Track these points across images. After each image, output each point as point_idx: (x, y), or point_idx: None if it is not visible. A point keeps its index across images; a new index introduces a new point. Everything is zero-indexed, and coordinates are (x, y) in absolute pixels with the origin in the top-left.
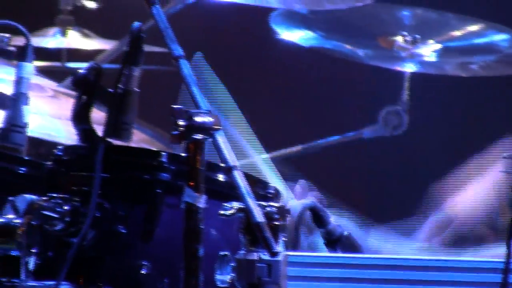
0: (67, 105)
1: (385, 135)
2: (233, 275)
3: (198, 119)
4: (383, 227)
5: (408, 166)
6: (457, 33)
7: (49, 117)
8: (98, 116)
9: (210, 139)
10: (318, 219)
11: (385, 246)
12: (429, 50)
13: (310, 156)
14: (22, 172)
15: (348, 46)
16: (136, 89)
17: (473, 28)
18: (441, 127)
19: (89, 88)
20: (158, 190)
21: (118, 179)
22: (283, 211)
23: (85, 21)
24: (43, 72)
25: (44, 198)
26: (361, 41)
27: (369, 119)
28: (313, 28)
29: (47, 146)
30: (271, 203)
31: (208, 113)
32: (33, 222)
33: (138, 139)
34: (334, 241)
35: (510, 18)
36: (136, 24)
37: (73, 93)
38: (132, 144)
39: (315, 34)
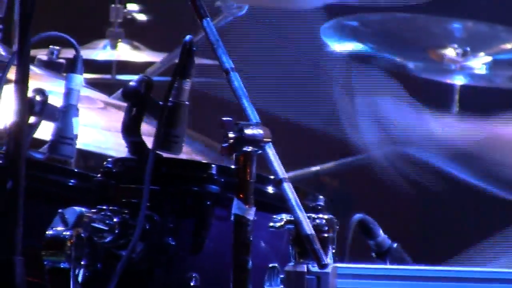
0: (117, 117)
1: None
2: (282, 287)
3: (248, 131)
4: None
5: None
6: (507, 45)
7: (100, 129)
8: (148, 128)
9: (260, 152)
10: (368, 231)
11: None
12: (479, 63)
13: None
14: (71, 184)
15: (398, 59)
16: (187, 102)
17: None
18: None
19: (139, 100)
20: (207, 202)
21: (167, 191)
22: (332, 223)
23: (135, 33)
24: (93, 84)
25: (93, 210)
26: (412, 53)
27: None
28: (364, 40)
29: (97, 158)
30: (321, 215)
31: (258, 125)
32: (82, 234)
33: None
34: (384, 253)
35: None
36: (188, 37)
37: (124, 105)
38: (183, 156)
39: (365, 47)
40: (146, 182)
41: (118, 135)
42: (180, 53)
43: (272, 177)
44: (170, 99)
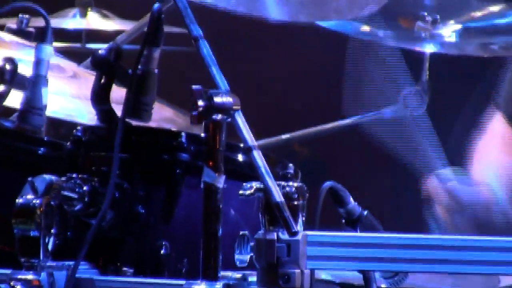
0: (87, 84)
1: (406, 116)
2: (252, 254)
3: (217, 99)
4: None
5: None
6: (478, 13)
7: (69, 97)
8: (117, 95)
9: (230, 119)
10: (338, 198)
11: None
12: (449, 31)
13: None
14: (41, 152)
15: (367, 27)
16: (156, 70)
17: (494, 8)
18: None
19: (108, 68)
20: (177, 171)
21: (137, 159)
22: (302, 191)
23: (104, 2)
24: (63, 53)
25: (63, 178)
26: (381, 21)
27: (389, 99)
28: None
29: (67, 126)
30: (290, 183)
31: (228, 93)
32: (52, 203)
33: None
34: (354, 221)
35: None
36: (156, 5)
37: (93, 73)
38: (153, 123)
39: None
40: (115, 150)
41: (88, 103)
42: (149, 21)
43: (241, 144)
44: (139, 67)
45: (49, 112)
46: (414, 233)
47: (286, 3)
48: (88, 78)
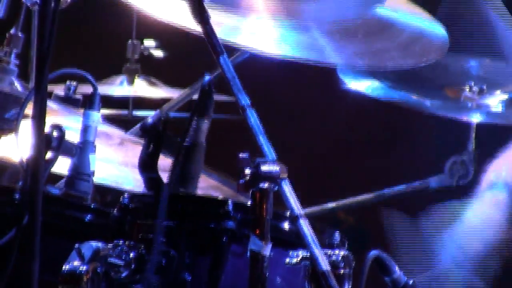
0: (133, 152)
1: (451, 185)
2: None
3: (264, 168)
4: None
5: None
6: None
7: (116, 164)
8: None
9: (276, 188)
10: (384, 268)
11: None
12: (496, 101)
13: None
14: (88, 220)
15: (415, 97)
16: (203, 142)
17: None
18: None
19: (156, 136)
20: (223, 238)
21: (184, 227)
22: (348, 260)
23: (151, 69)
24: (110, 120)
25: (110, 245)
26: (428, 91)
27: (436, 169)
28: (380, 78)
29: (114, 194)
30: (337, 252)
31: (275, 162)
32: (98, 269)
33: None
34: None
35: None
36: (207, 77)
37: (140, 141)
38: (200, 191)
39: (382, 84)
40: (159, 216)
41: (134, 170)
42: (199, 92)
43: (288, 213)
44: (187, 138)
45: (96, 178)
46: None
47: (342, 50)
48: (134, 146)
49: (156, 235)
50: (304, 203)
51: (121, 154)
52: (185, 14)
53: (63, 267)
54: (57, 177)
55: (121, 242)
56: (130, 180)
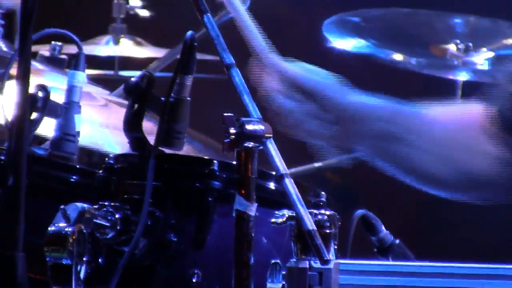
0: (117, 114)
1: None
2: (284, 283)
3: (249, 127)
4: None
5: None
6: (510, 41)
7: (98, 126)
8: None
9: (261, 147)
10: (370, 227)
11: None
12: (481, 58)
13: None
14: (73, 180)
15: (400, 55)
16: (188, 98)
17: None
18: None
19: (141, 96)
20: (209, 198)
21: (169, 187)
22: (334, 219)
23: (137, 29)
24: (95, 80)
25: (95, 206)
26: (414, 49)
27: None
28: (365, 36)
29: (99, 155)
30: (322, 211)
31: (260, 121)
32: (84, 230)
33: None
34: (386, 249)
35: None
36: (189, 32)
37: (125, 102)
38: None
39: (367, 43)
40: (148, 178)
41: (116, 133)
42: (181, 48)
43: (273, 172)
44: (172, 94)
45: (81, 140)
46: (446, 262)
47: None
48: (119, 109)
49: (145, 196)
50: (290, 162)
51: (104, 116)
52: None
53: (49, 228)
54: (43, 138)
55: (106, 203)
56: (111, 143)
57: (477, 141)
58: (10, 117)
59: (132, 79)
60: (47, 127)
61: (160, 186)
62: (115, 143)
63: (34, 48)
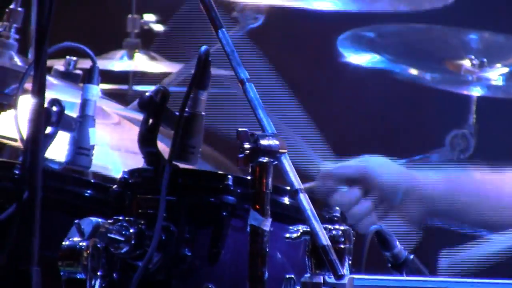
0: (130, 133)
1: (452, 159)
2: None
3: (263, 142)
4: None
5: None
6: None
7: (109, 149)
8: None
9: (276, 162)
10: (384, 242)
11: None
12: (496, 74)
13: None
14: (88, 195)
15: (415, 70)
16: (203, 113)
17: None
18: (508, 151)
19: (155, 111)
20: (223, 213)
21: (183, 202)
22: (348, 234)
23: (152, 44)
24: (109, 95)
25: (110, 221)
26: (429, 64)
27: (436, 142)
28: (380, 51)
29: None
30: (337, 226)
31: (274, 136)
32: (98, 245)
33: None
34: (400, 265)
35: None
36: (204, 47)
37: (140, 117)
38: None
39: (382, 58)
40: (162, 193)
41: (127, 156)
42: (196, 63)
43: (288, 187)
44: (186, 109)
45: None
46: (460, 277)
47: None
48: (132, 126)
49: (159, 211)
50: (304, 177)
51: (116, 137)
52: None
53: (63, 243)
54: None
55: (121, 217)
56: (119, 167)
57: None
58: (25, 132)
59: (147, 93)
60: (62, 142)
61: (175, 201)
62: (126, 166)
63: (48, 62)
